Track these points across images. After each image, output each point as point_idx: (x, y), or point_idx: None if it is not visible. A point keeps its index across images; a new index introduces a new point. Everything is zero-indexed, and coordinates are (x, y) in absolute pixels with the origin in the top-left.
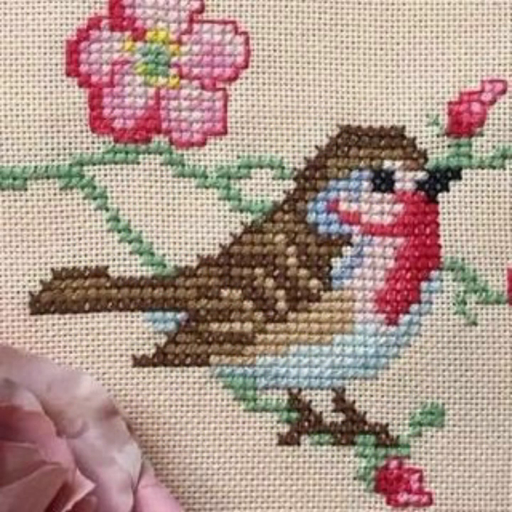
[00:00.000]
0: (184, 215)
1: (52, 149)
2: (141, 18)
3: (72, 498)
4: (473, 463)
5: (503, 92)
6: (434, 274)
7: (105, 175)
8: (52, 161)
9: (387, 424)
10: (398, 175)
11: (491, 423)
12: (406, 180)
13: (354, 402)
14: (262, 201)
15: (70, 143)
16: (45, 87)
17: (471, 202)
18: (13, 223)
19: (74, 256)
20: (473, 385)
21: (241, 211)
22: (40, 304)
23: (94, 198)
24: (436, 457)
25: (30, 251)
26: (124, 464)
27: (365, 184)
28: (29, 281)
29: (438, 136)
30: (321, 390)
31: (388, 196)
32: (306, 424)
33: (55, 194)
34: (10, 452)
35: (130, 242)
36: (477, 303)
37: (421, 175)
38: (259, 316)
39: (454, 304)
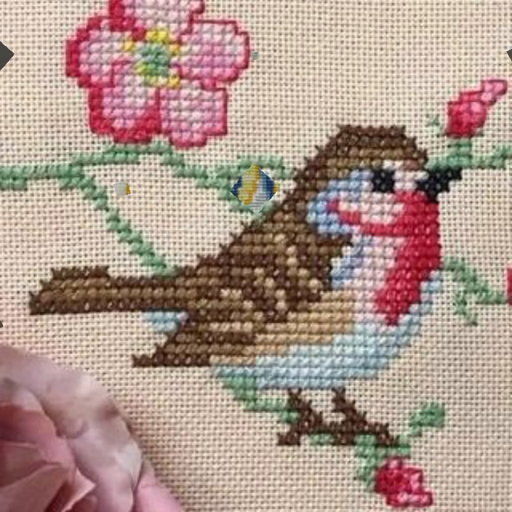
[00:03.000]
0: (184, 215)
1: (52, 149)
2: (141, 18)
3: (72, 498)
4: (473, 463)
5: (503, 92)
6: (434, 274)
7: (105, 175)
8: (52, 161)
9: (387, 424)
10: (398, 175)
11: (491, 423)
12: (406, 180)
13: (354, 402)
14: None
15: (70, 143)
16: (45, 87)
17: (471, 202)
18: (13, 223)
19: (74, 256)
20: (473, 385)
21: (241, 211)
22: (40, 304)
23: (94, 198)
24: (436, 457)
25: (30, 251)
26: (124, 463)
27: (365, 184)
28: (29, 281)
29: (438, 136)
30: (321, 390)
31: (388, 196)
32: (306, 424)
33: (55, 194)
34: (10, 452)
35: (130, 242)
36: (477, 303)
37: (421, 175)
38: (259, 316)
39: (454, 304)
